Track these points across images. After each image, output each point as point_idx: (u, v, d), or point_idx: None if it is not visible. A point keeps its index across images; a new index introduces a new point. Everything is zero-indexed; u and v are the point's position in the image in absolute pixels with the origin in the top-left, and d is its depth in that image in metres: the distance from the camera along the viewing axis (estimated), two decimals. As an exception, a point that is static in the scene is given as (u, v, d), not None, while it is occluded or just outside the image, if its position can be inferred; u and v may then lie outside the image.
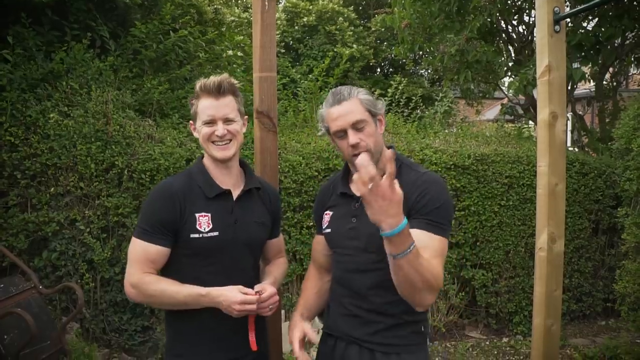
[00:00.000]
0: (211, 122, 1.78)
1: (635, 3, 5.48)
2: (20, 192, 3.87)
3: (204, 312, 1.73)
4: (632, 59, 7.08)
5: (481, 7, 6.14)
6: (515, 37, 7.42)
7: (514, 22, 7.38)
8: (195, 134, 1.86)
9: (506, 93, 8.25)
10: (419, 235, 1.60)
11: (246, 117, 1.91)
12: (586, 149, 7.02)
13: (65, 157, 3.89)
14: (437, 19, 6.48)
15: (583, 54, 5.59)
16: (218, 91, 1.78)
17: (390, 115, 6.48)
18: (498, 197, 4.93)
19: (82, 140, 3.93)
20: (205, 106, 1.79)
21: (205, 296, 1.68)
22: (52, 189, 3.89)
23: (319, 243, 1.97)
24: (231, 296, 1.66)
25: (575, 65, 5.64)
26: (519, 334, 4.98)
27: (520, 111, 8.17)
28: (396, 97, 7.27)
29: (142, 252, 1.74)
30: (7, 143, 3.83)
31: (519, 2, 6.96)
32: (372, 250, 1.71)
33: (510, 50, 7.57)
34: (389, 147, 1.89)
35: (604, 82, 7.65)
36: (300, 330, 1.78)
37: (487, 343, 4.85)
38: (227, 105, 1.80)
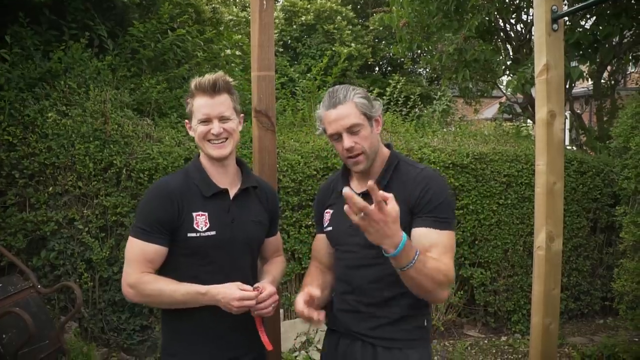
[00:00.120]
0: (207, 121, 1.77)
1: (633, 1, 5.48)
2: (19, 191, 3.87)
3: (202, 311, 1.72)
4: (630, 57, 7.08)
5: (479, 5, 6.14)
6: (513, 35, 7.42)
7: (512, 21, 7.38)
8: (191, 133, 1.85)
9: (504, 92, 8.26)
10: (427, 233, 1.66)
11: (242, 115, 1.90)
12: (584, 148, 7.02)
13: (63, 157, 3.88)
14: (435, 17, 6.47)
15: (581, 52, 5.59)
16: (213, 89, 1.77)
17: (388, 114, 6.47)
18: (496, 195, 4.94)
19: (80, 139, 3.92)
20: (200, 104, 1.78)
21: (205, 294, 1.68)
22: (51, 188, 3.88)
23: (320, 241, 1.98)
24: (229, 293, 1.66)
25: (573, 63, 5.65)
26: (517, 332, 4.99)
27: (519, 110, 8.18)
28: (394, 95, 7.27)
29: (139, 252, 1.73)
30: (5, 142, 3.82)
31: (517, 1, 6.96)
32: (372, 246, 1.72)
33: (508, 49, 7.58)
34: (386, 145, 1.90)
35: (602, 81, 7.66)
36: (305, 293, 1.71)
37: (486, 342, 4.86)
38: (223, 104, 1.79)
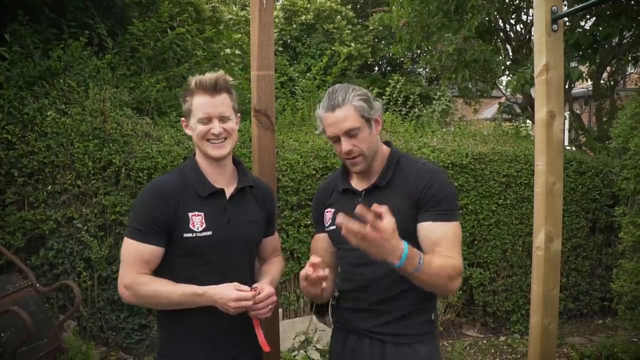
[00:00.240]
0: (207, 120, 1.75)
1: (632, 2, 5.48)
2: (18, 190, 3.86)
3: (199, 312, 1.70)
4: (630, 58, 7.08)
5: (479, 6, 6.14)
6: (512, 36, 7.42)
7: (512, 21, 7.38)
8: (188, 131, 1.83)
9: (504, 92, 8.25)
10: (434, 227, 1.71)
11: (239, 114, 1.89)
12: (583, 148, 7.02)
13: (62, 155, 3.88)
14: (435, 17, 6.47)
15: (581, 53, 5.59)
16: (214, 89, 1.75)
17: (388, 114, 6.47)
18: (495, 195, 4.94)
19: (79, 138, 3.92)
20: (200, 104, 1.75)
21: (202, 295, 1.66)
22: (50, 187, 3.88)
23: (320, 241, 1.98)
24: (226, 294, 1.65)
25: (573, 64, 5.65)
26: (516, 332, 4.99)
27: (518, 110, 8.18)
28: (394, 95, 7.28)
29: (135, 253, 1.71)
30: (4, 141, 3.81)
31: (517, 1, 6.96)
32: None
33: (507, 49, 7.58)
34: (385, 143, 1.91)
35: (602, 81, 7.66)
36: (309, 263, 1.65)
37: (485, 342, 4.86)
38: (223, 103, 1.77)
